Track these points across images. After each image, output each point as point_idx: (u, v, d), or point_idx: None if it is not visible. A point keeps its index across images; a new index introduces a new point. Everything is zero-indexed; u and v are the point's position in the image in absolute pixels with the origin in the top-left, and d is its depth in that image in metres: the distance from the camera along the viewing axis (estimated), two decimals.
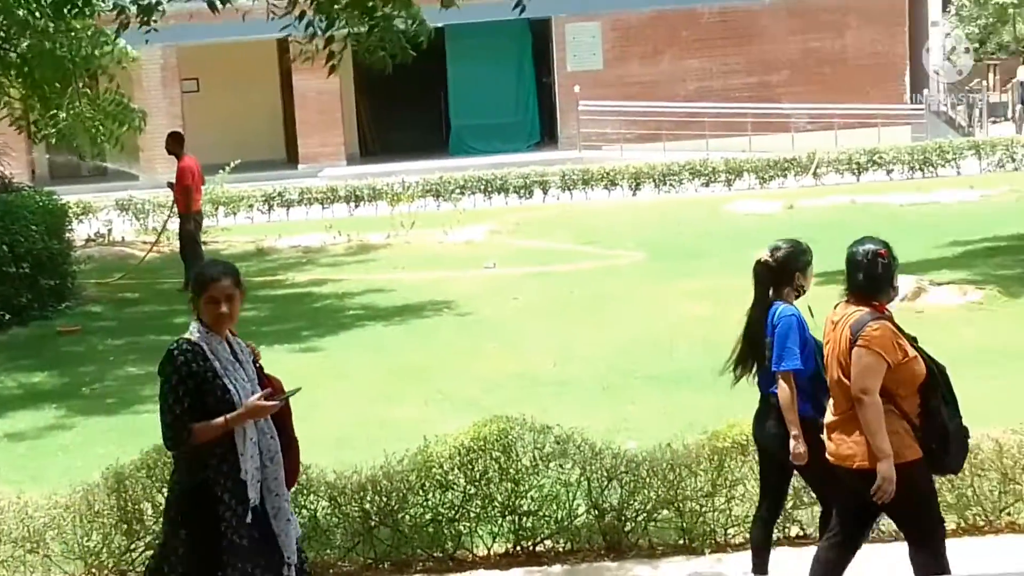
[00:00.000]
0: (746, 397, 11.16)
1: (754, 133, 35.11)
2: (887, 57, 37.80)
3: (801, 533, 8.64)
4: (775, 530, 8.13)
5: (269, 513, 6.31)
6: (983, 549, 8.34)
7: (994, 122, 38.59)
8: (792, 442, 7.32)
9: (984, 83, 41.43)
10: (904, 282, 15.84)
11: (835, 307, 7.04)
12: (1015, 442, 8.53)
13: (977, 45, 51.02)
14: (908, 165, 30.30)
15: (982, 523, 8.59)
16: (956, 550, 8.26)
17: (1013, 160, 30.35)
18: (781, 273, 7.60)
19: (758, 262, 7.71)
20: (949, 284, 16.36)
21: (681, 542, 8.66)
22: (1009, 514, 8.59)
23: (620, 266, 20.41)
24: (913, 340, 6.83)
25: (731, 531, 8.70)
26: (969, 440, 6.95)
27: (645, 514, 8.67)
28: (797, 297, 7.62)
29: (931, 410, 6.69)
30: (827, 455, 7.05)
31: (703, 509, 8.65)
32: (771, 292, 7.61)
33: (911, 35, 38.59)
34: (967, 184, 27.40)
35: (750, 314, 7.78)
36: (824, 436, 7.10)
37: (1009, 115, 39.90)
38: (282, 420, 6.43)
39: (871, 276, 6.88)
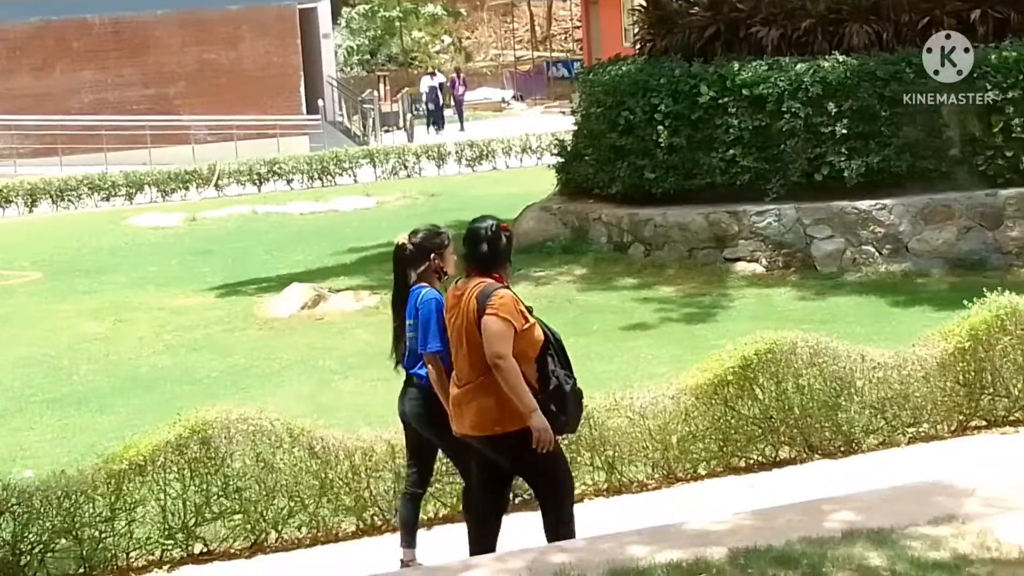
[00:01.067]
0: (158, 412, 11.08)
1: (154, 145, 34.69)
2: (282, 68, 38.47)
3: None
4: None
5: None
6: (383, 547, 8.64)
7: (387, 131, 40.15)
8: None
9: (376, 93, 43.01)
10: (303, 291, 16.23)
11: (455, 283, 7.18)
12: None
13: (368, 56, 52.94)
14: (307, 175, 30.98)
15: (380, 523, 8.88)
16: (356, 549, 8.58)
17: (405, 167, 31.77)
18: (420, 256, 7.69)
19: (397, 246, 7.78)
20: (346, 290, 16.82)
21: (81, 571, 8.39)
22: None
23: (14, 286, 19.52)
24: (530, 309, 7.03)
25: (133, 554, 8.53)
26: (583, 401, 7.24)
27: (41, 546, 8.33)
28: (439, 279, 7.71)
29: (548, 374, 6.89)
30: (454, 429, 7.15)
31: (103, 535, 8.42)
32: (413, 275, 7.69)
33: (304, 47, 39.45)
34: (363, 191, 28.33)
35: (392, 298, 7.91)
36: (450, 410, 7.20)
37: (401, 124, 41.65)
38: None
39: (493, 249, 7.08)
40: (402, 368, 7.95)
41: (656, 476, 9.38)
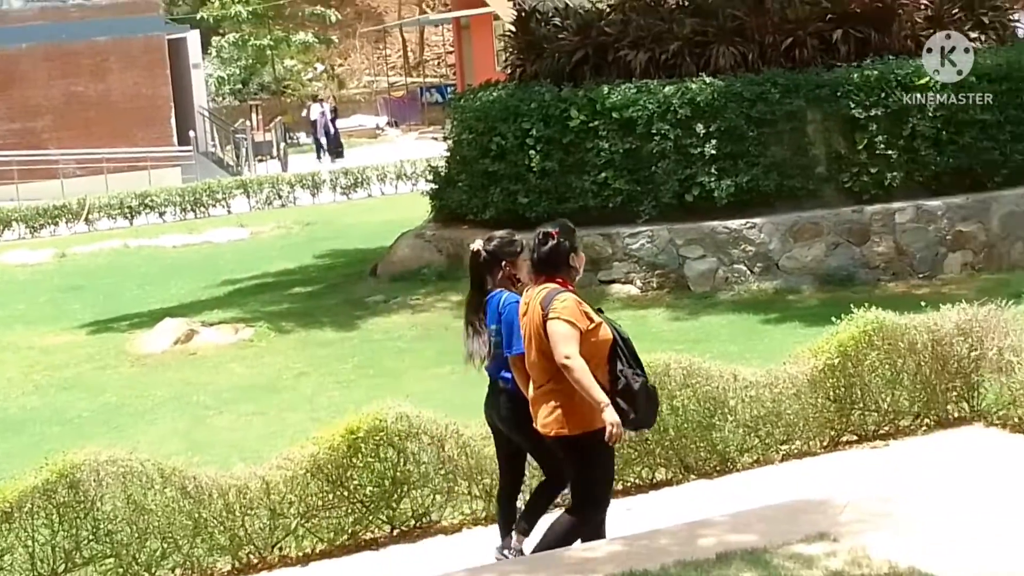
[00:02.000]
0: (28, 455, 10.81)
1: (21, 181, 34.07)
2: (152, 100, 38.01)
3: None
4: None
5: None
6: None
7: (260, 160, 39.80)
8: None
9: (248, 123, 42.64)
10: (176, 326, 16.00)
11: (526, 289, 7.47)
12: (280, 477, 8.76)
13: (240, 86, 52.50)
14: (180, 207, 30.62)
15: (256, 560, 8.76)
16: None
17: (280, 197, 31.54)
18: (494, 262, 7.82)
19: (472, 252, 7.93)
20: (221, 324, 16.61)
21: None
22: (281, 548, 8.83)
23: None
24: (599, 311, 7.28)
25: None
26: (659, 399, 7.47)
27: None
28: (513, 285, 7.81)
29: (616, 373, 7.09)
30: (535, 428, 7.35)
31: None
32: (490, 281, 7.84)
33: (174, 77, 39.02)
34: (237, 222, 28.05)
35: (467, 302, 8.04)
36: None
37: (275, 153, 41.27)
38: None
39: (542, 255, 7.30)
40: (484, 370, 8.01)
41: None
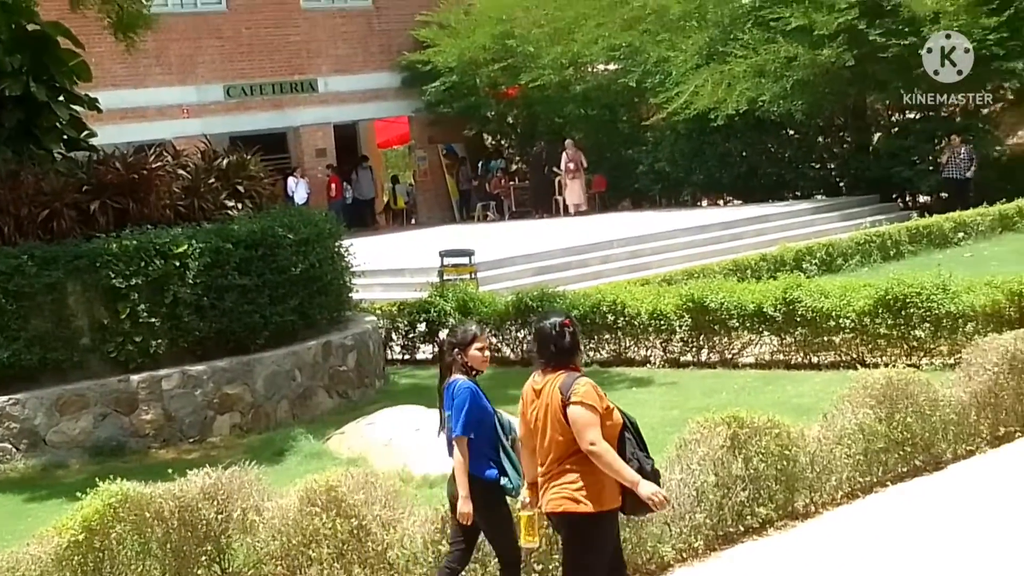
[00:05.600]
0: None
1: None
2: None
3: None
4: None
5: None
6: None
7: None
8: (460, 502, 8.10)
9: None
10: None
11: (533, 376, 7.69)
12: None
13: None
14: None
15: None
16: None
17: None
18: (447, 351, 8.34)
19: (440, 340, 8.55)
20: None
21: None
22: None
23: None
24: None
25: None
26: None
27: None
28: (467, 374, 8.27)
29: (627, 456, 7.37)
30: (544, 509, 7.65)
31: None
32: (448, 368, 8.32)
33: None
34: None
35: (437, 387, 8.47)
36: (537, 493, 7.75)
37: None
38: None
39: (559, 347, 7.54)
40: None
41: None
